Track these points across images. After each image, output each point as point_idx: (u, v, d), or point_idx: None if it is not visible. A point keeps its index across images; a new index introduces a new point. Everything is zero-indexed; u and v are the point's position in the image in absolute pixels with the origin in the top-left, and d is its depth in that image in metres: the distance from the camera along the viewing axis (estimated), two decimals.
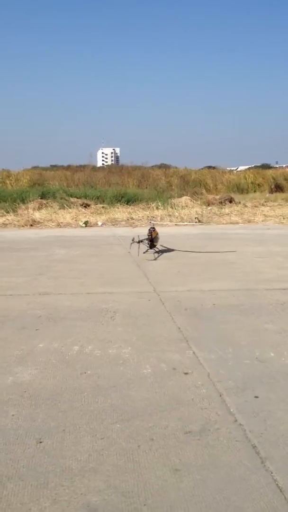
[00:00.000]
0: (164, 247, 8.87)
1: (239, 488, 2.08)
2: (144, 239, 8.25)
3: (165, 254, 8.41)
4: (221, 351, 3.70)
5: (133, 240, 8.12)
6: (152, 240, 8.33)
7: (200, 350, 3.73)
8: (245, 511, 1.95)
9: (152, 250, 8.33)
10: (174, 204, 17.30)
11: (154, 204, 17.08)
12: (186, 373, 3.29)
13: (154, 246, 8.43)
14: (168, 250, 8.77)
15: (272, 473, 2.18)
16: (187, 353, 3.67)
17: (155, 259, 7.94)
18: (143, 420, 2.66)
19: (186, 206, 17.20)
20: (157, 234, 8.54)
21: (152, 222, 9.91)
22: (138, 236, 8.21)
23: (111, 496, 2.03)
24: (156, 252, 8.38)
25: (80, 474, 2.18)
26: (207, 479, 2.14)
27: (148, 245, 8.29)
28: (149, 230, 8.47)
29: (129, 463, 2.26)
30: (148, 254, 8.19)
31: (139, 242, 8.08)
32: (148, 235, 8.36)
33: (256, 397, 2.94)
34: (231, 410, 2.78)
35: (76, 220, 14.52)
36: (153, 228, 8.58)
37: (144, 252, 8.14)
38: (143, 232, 8.77)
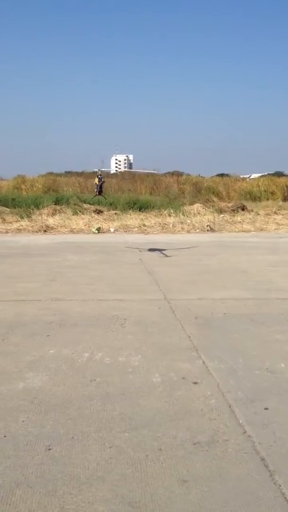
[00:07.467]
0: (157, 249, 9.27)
1: (247, 501, 2.07)
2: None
3: (176, 262, 8.42)
4: (231, 361, 3.69)
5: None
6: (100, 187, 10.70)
7: (210, 359, 3.72)
8: None
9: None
10: (186, 211, 17.30)
11: (166, 211, 17.10)
12: (195, 383, 3.29)
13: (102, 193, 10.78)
14: (160, 249, 9.02)
15: (280, 486, 2.17)
16: (197, 363, 3.66)
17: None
18: (152, 430, 2.66)
19: (198, 213, 17.18)
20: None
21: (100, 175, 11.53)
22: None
23: (118, 505, 2.04)
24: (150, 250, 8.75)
25: (88, 483, 2.19)
26: (215, 491, 2.14)
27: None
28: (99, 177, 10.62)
29: (136, 473, 2.27)
30: (158, 258, 8.17)
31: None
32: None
33: (266, 408, 2.93)
34: (240, 421, 2.77)
35: (89, 226, 14.59)
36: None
37: (92, 197, 10.18)
38: (155, 239, 8.79)
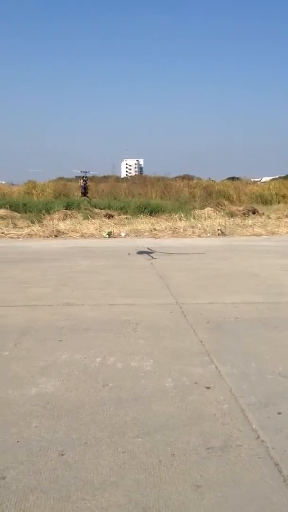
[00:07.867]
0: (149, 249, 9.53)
1: (261, 506, 2.06)
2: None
3: (188, 266, 8.41)
4: (244, 365, 3.68)
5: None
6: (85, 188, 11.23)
7: (222, 364, 3.71)
8: None
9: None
10: (197, 215, 17.29)
11: (177, 215, 17.09)
12: (208, 388, 3.28)
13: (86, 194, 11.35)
14: (150, 251, 9.22)
15: None
16: (209, 367, 3.65)
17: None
18: (165, 435, 2.66)
19: (209, 217, 17.15)
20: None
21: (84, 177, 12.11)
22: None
23: (132, 511, 2.03)
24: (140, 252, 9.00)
25: (102, 488, 2.19)
26: (229, 496, 2.13)
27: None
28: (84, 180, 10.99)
29: (150, 478, 2.26)
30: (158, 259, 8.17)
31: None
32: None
33: (279, 413, 2.91)
34: (254, 426, 2.75)
35: (99, 231, 14.63)
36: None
37: (78, 198, 10.89)
38: (166, 243, 8.81)
